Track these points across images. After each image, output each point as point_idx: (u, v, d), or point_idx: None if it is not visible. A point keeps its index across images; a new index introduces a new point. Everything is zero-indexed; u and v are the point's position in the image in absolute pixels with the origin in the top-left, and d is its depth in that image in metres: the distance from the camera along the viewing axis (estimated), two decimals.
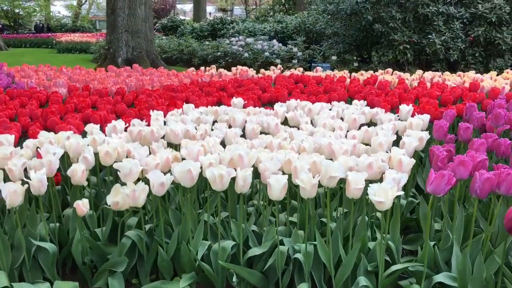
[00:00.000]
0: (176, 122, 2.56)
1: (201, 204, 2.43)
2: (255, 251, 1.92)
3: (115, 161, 2.15)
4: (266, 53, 9.87)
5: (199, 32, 14.05)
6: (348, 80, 4.45)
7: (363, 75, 4.95)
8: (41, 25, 26.62)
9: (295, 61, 9.53)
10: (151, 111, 2.81)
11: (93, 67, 9.62)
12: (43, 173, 1.88)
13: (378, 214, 2.18)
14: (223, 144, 2.42)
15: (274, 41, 10.38)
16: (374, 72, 5.39)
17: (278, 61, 9.65)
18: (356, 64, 9.23)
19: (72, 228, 2.14)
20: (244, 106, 3.23)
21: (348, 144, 2.08)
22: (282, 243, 1.93)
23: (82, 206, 1.91)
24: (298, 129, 2.68)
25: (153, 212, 2.20)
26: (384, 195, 1.64)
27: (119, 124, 2.45)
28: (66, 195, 2.54)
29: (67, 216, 2.23)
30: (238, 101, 3.19)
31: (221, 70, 5.40)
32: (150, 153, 2.19)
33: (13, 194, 1.80)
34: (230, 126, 2.70)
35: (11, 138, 2.31)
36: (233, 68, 5.66)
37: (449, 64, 8.86)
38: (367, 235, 1.97)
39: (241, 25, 13.22)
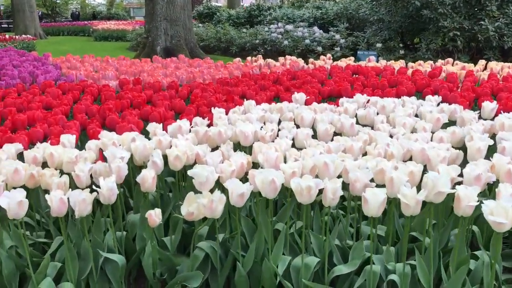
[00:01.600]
0: (243, 121, 2.38)
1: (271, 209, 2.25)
2: (342, 269, 1.73)
3: (184, 165, 2.01)
4: (307, 41, 9.58)
5: (235, 19, 13.82)
6: (409, 71, 4.16)
7: (422, 66, 4.64)
8: (77, 12, 26.97)
9: (337, 48, 9.20)
10: (212, 108, 2.64)
11: (131, 55, 9.58)
12: (113, 180, 1.74)
13: (474, 228, 1.96)
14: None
15: (315, 28, 10.06)
16: (434, 62, 5.03)
17: (319, 48, 9.35)
18: (402, 52, 8.83)
19: (139, 237, 2.00)
20: (306, 102, 3.02)
21: (444, 150, 1.85)
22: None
23: (155, 216, 1.76)
24: (372, 128, 2.47)
25: (222, 220, 2.05)
26: (504, 215, 1.42)
27: (185, 124, 2.29)
28: (127, 197, 2.42)
29: (132, 223, 2.10)
30: (300, 96, 2.98)
31: (269, 60, 5.19)
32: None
33: (82, 203, 1.68)
34: (297, 126, 2.51)
35: (72, 138, 2.19)
36: (281, 58, 5.44)
37: (502, 52, 8.36)
38: (467, 253, 1.75)
39: (278, 11, 12.91)
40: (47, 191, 2.08)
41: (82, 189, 1.72)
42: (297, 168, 1.72)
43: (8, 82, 3.74)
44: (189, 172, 1.78)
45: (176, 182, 2.31)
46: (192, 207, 1.74)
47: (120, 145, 2.14)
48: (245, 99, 2.94)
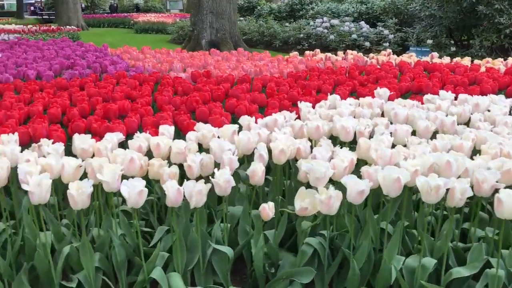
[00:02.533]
0: (340, 116, 2.34)
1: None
2: (461, 272, 1.68)
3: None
4: (354, 35, 9.44)
5: (277, 13, 13.75)
6: (483, 68, 4.03)
7: (490, 63, 4.49)
8: (115, 5, 27.39)
9: (386, 44, 9.02)
10: (299, 102, 2.61)
11: (174, 48, 9.62)
12: (228, 172, 1.73)
13: None
14: None
15: (362, 23, 9.90)
16: (505, 59, 4.82)
17: (367, 44, 9.21)
18: (453, 49, 8.59)
19: (241, 229, 1.99)
20: (389, 97, 2.95)
21: None
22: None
23: (268, 210, 1.75)
24: (468, 126, 2.39)
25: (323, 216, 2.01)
26: None
27: (280, 117, 2.27)
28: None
29: (232, 215, 2.09)
30: (383, 91, 2.92)
31: (329, 54, 5.13)
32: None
33: (199, 194, 1.68)
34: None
35: (171, 129, 2.20)
36: (339, 53, 5.36)
37: None
38: None
39: (320, 5, 12.77)
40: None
41: (196, 180, 1.72)
42: (419, 166, 1.67)
43: (81, 72, 3.80)
44: (304, 167, 1.75)
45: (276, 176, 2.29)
46: (305, 202, 1.72)
47: (218, 137, 2.14)
48: (329, 94, 2.90)
